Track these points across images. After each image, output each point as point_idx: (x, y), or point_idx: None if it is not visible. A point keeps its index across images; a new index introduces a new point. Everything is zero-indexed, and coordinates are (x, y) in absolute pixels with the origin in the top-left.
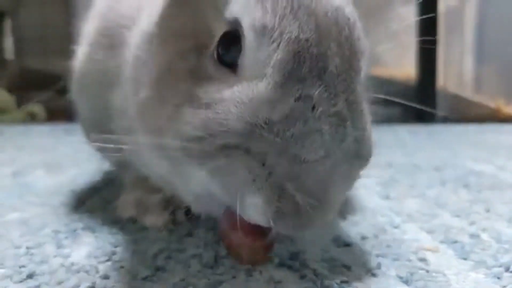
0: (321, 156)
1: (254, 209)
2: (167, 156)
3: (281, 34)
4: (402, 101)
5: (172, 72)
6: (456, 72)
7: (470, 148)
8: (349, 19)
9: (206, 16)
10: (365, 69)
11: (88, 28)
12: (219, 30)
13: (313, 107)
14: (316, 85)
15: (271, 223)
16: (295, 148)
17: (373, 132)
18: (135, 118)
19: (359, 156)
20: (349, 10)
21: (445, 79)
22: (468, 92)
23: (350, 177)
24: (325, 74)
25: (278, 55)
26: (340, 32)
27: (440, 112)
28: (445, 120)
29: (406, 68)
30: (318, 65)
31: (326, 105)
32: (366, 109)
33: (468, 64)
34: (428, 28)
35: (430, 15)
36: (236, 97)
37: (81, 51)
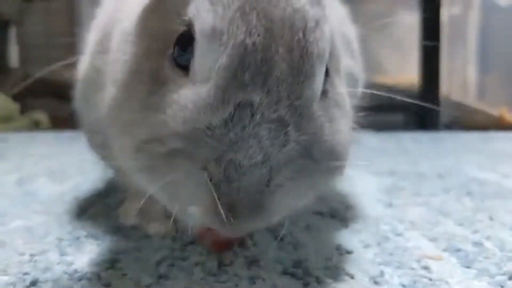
0: (258, 161)
1: (195, 214)
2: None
3: (228, 38)
4: (407, 100)
5: (137, 73)
6: (460, 80)
7: (474, 156)
8: (307, 22)
9: (171, 18)
10: (323, 72)
11: (90, 38)
12: (178, 31)
13: (253, 113)
14: (257, 91)
15: (212, 225)
16: (232, 154)
17: (337, 136)
18: (105, 120)
19: (311, 159)
20: (313, 13)
21: (448, 87)
22: (471, 100)
23: (299, 181)
24: (269, 80)
25: (222, 60)
26: (293, 36)
27: (443, 119)
28: (449, 127)
29: (409, 75)
30: (262, 71)
31: (267, 111)
32: (320, 113)
33: (472, 71)
34: (431, 35)
35: (433, 23)
36: (182, 101)
37: (83, 60)
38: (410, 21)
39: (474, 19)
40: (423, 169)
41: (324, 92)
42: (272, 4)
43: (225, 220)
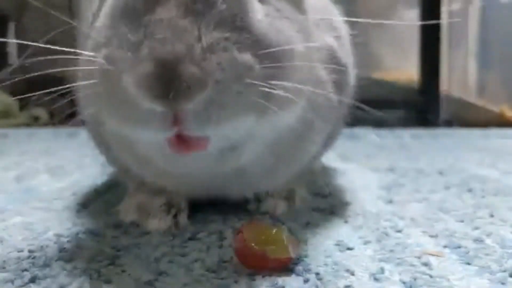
0: (181, 13)
1: (130, 92)
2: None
3: None
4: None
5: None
6: (460, 76)
7: (474, 153)
8: None
9: None
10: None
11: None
12: None
13: None
14: None
15: (145, 99)
16: (149, 15)
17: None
18: None
19: (247, 31)
20: None
21: (448, 83)
22: (471, 96)
23: (237, 54)
24: None
25: None
26: None
27: (443, 116)
28: (449, 124)
29: (408, 71)
30: None
31: None
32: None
33: (472, 68)
34: (431, 31)
35: (433, 19)
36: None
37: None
38: (410, 17)
39: (474, 15)
40: (423, 165)
41: None
42: None
43: (152, 82)
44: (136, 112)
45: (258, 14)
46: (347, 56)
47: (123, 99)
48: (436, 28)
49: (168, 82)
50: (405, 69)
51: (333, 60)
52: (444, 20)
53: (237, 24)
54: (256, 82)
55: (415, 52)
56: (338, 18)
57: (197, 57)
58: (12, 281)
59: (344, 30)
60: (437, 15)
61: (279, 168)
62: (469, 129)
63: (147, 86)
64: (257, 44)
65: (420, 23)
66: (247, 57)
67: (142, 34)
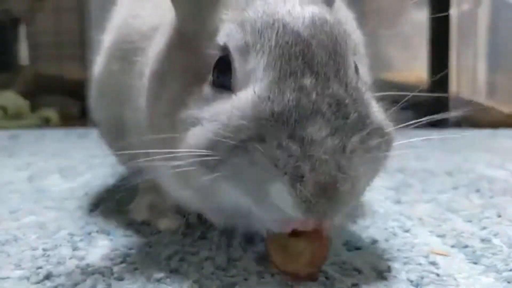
0: (327, 133)
1: (280, 196)
2: (181, 173)
3: (262, 45)
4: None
5: (180, 104)
6: (469, 77)
7: (483, 154)
8: (325, 17)
9: (204, 49)
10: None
11: (106, 39)
12: (214, 58)
13: (309, 94)
14: (307, 75)
15: (299, 211)
16: (301, 131)
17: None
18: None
19: (372, 125)
20: (331, 19)
21: (458, 84)
22: (481, 97)
23: (370, 142)
24: (313, 66)
25: (264, 61)
26: (320, 30)
27: (452, 117)
28: (458, 125)
29: (418, 72)
30: (305, 59)
31: (321, 89)
32: (365, 89)
33: (481, 69)
34: (440, 33)
35: (442, 20)
36: (235, 105)
37: (99, 61)
38: (419, 18)
39: (483, 16)
40: (431, 166)
41: (357, 71)
42: (288, 14)
43: (311, 200)
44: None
45: (374, 106)
46: (365, 72)
47: (262, 195)
48: (446, 29)
49: (325, 203)
50: (415, 70)
51: None
52: (453, 21)
53: (365, 123)
54: (385, 157)
55: (424, 53)
56: (356, 33)
57: (349, 177)
58: (27, 278)
59: (360, 42)
60: (446, 17)
61: None
62: (478, 130)
63: (306, 207)
64: (382, 129)
65: (432, 16)
66: (377, 142)
67: (299, 151)
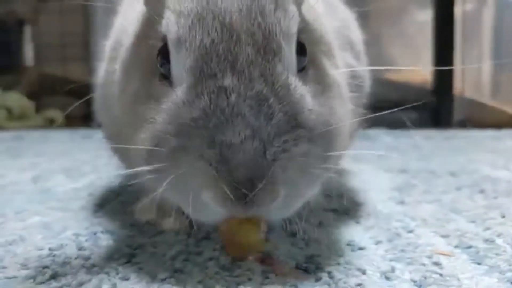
0: (247, 135)
1: (206, 202)
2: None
3: (190, 43)
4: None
5: (136, 95)
6: (473, 77)
7: (487, 154)
8: (265, 5)
9: (156, 40)
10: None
11: (107, 44)
12: (157, 46)
13: (228, 96)
14: (227, 77)
15: (222, 211)
16: (220, 135)
17: (325, 108)
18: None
19: (301, 127)
20: (270, 6)
21: (462, 84)
22: (485, 97)
23: (295, 150)
24: (237, 64)
25: (188, 61)
26: (252, 21)
27: (456, 117)
28: (462, 125)
29: (422, 72)
30: (228, 59)
31: (242, 90)
32: (298, 85)
33: (486, 69)
34: (444, 32)
35: (446, 20)
36: (167, 106)
37: (101, 66)
38: (423, 18)
39: (488, 16)
40: (435, 166)
41: (304, 69)
42: (228, 1)
43: (233, 198)
44: (205, 209)
45: (309, 103)
46: (364, 70)
47: (194, 198)
48: (450, 29)
49: (244, 206)
50: (419, 70)
51: (353, 78)
52: (457, 21)
53: (293, 124)
54: (317, 166)
55: (428, 53)
56: (356, 32)
57: (267, 176)
58: (34, 278)
59: (360, 41)
60: (450, 16)
61: None
62: (482, 130)
63: (227, 205)
64: (312, 132)
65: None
66: (304, 148)
67: (219, 155)
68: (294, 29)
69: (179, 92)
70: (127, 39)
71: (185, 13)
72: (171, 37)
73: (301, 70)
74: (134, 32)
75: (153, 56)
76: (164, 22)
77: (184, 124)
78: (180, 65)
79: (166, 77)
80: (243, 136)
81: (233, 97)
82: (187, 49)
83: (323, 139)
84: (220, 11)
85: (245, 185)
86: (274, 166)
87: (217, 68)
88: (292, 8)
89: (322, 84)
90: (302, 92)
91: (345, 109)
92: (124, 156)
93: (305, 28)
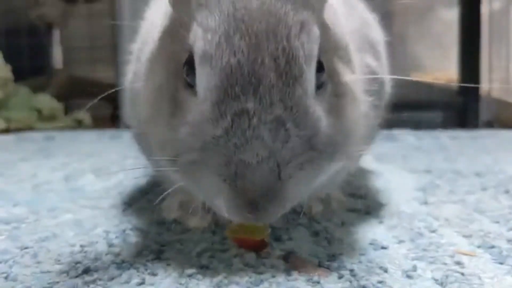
0: (264, 157)
1: (220, 208)
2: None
3: (216, 61)
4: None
5: (160, 94)
6: (501, 77)
7: None
8: (291, 28)
9: (183, 42)
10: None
11: (134, 48)
12: (185, 56)
13: (250, 119)
14: (250, 100)
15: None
16: (239, 156)
17: (338, 124)
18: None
19: (314, 150)
20: (297, 18)
21: (489, 84)
22: None
23: (306, 170)
24: (259, 88)
25: (213, 79)
26: (277, 45)
27: (483, 117)
28: (489, 125)
29: (448, 72)
30: (252, 82)
31: (263, 114)
32: (316, 107)
33: None
34: (471, 31)
35: (473, 19)
36: (191, 119)
37: (129, 69)
38: (450, 17)
39: None
40: (460, 167)
41: (322, 85)
42: (256, 20)
43: (246, 213)
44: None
45: (323, 126)
46: (384, 70)
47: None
48: (476, 28)
49: (255, 218)
50: (445, 69)
51: (373, 79)
52: (484, 19)
53: (307, 147)
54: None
55: (455, 52)
56: (376, 32)
57: (280, 196)
58: (67, 272)
59: (380, 41)
60: (477, 15)
61: None
62: (509, 130)
63: (239, 215)
64: (323, 154)
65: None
66: (315, 166)
67: (234, 172)
68: (315, 51)
69: (203, 107)
70: (154, 38)
71: (213, 28)
72: (198, 51)
73: (320, 86)
74: (161, 29)
75: (178, 58)
76: (191, 35)
77: (207, 141)
78: (205, 79)
79: (191, 86)
80: (260, 157)
81: (254, 120)
82: (212, 68)
83: (332, 159)
84: (247, 31)
85: (258, 200)
86: (287, 185)
87: (241, 91)
88: (315, 30)
89: (338, 94)
90: (318, 114)
91: (359, 114)
92: (149, 154)
93: (323, 36)
